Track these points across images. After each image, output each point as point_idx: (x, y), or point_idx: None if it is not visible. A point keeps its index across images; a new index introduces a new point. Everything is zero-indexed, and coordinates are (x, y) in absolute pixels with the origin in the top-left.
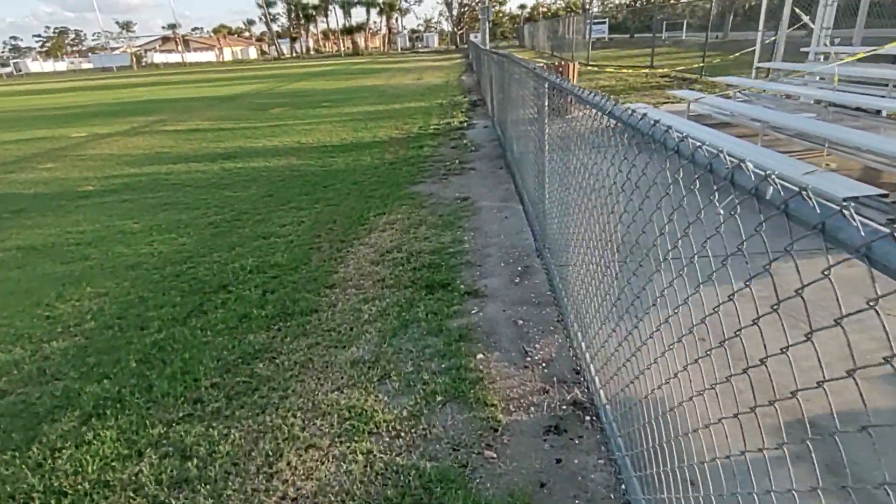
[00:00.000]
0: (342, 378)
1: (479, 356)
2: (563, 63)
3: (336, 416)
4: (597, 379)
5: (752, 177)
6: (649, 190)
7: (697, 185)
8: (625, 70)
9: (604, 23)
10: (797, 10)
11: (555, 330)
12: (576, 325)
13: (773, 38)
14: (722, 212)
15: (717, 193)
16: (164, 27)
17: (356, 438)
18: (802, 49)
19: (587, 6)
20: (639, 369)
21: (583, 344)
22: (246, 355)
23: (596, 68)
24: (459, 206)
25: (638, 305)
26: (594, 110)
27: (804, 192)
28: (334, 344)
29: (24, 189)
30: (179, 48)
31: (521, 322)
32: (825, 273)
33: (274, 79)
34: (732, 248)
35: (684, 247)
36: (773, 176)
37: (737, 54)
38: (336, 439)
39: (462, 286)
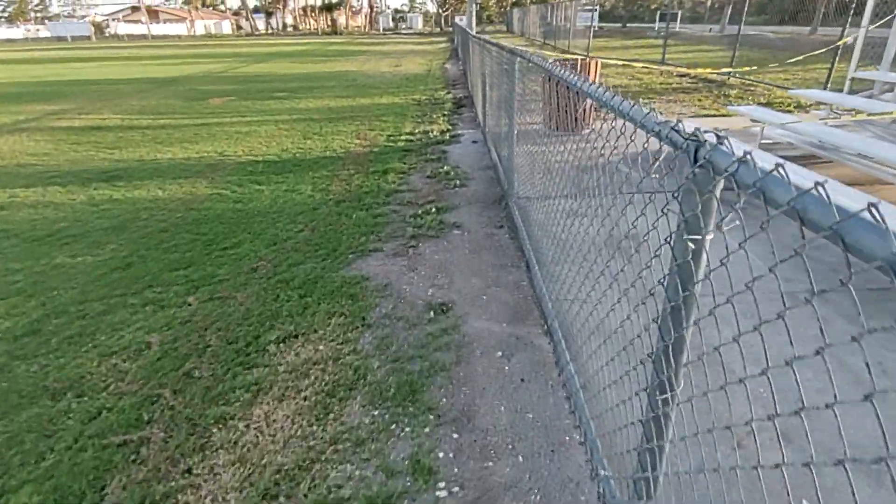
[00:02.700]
0: None
1: None
2: (580, 60)
3: None
4: None
5: None
6: None
7: None
8: (635, 65)
9: (594, 10)
10: None
11: None
12: None
13: (844, 39)
14: None
15: None
16: None
17: None
18: None
19: None
20: None
21: None
22: None
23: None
24: (431, 335)
25: None
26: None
27: None
28: None
29: None
30: (144, 19)
31: None
32: None
33: (235, 58)
34: None
35: None
36: None
37: (797, 59)
38: None
39: None
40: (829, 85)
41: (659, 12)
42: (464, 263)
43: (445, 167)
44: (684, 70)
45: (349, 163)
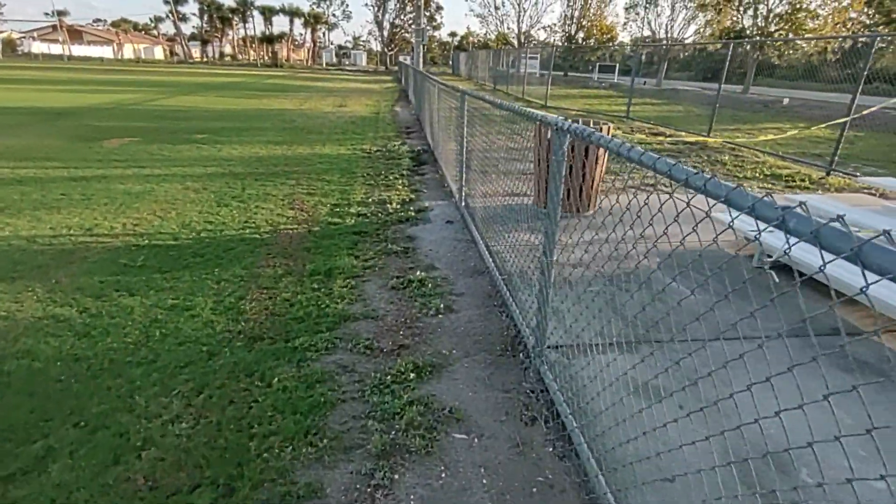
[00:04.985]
0: None
1: None
2: (591, 122)
3: None
4: None
5: None
6: None
7: None
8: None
9: (535, 58)
10: None
11: None
12: None
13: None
14: None
15: None
16: (46, 14)
17: None
18: None
19: (523, 41)
20: None
21: None
22: None
23: (557, 112)
24: None
25: None
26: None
27: None
28: None
29: None
30: (61, 38)
31: None
32: None
33: (158, 87)
34: None
35: None
36: None
37: (822, 126)
38: None
39: None
40: (836, 157)
41: (618, 63)
42: None
43: (417, 270)
44: (688, 136)
45: (277, 253)
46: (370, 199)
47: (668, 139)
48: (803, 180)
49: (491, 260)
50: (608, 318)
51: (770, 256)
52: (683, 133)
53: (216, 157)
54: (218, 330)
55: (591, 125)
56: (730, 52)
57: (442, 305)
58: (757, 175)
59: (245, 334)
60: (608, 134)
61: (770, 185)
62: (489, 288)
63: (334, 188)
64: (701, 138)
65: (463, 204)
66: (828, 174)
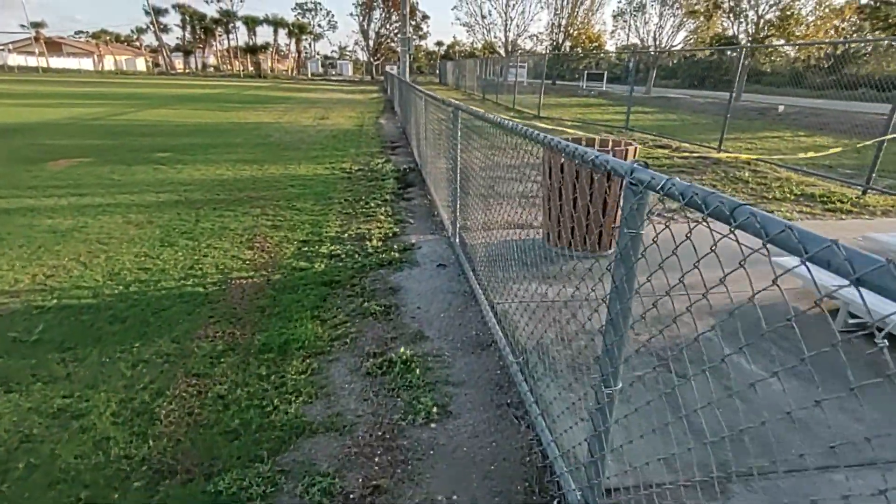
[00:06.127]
0: None
1: None
2: (611, 141)
3: None
4: None
5: None
6: None
7: None
8: (602, 133)
9: (523, 67)
10: None
11: None
12: None
13: None
14: None
15: None
16: (22, 25)
17: None
18: None
19: (510, 50)
20: None
21: None
22: None
23: (552, 123)
24: None
25: None
26: None
27: None
28: None
29: None
30: (37, 50)
31: None
32: None
33: (130, 100)
34: None
35: None
36: None
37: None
38: None
39: None
40: (874, 173)
41: (605, 71)
42: None
43: (401, 344)
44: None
45: (222, 315)
46: (346, 234)
47: (676, 152)
48: (842, 201)
49: (498, 326)
50: (670, 427)
51: (854, 316)
52: (687, 144)
53: (173, 181)
54: (113, 456)
55: (611, 144)
56: (741, 58)
57: (434, 407)
58: (787, 195)
59: (150, 465)
60: (634, 156)
61: (808, 208)
62: (498, 372)
63: (305, 219)
64: (733, 155)
65: (457, 240)
66: (864, 192)
